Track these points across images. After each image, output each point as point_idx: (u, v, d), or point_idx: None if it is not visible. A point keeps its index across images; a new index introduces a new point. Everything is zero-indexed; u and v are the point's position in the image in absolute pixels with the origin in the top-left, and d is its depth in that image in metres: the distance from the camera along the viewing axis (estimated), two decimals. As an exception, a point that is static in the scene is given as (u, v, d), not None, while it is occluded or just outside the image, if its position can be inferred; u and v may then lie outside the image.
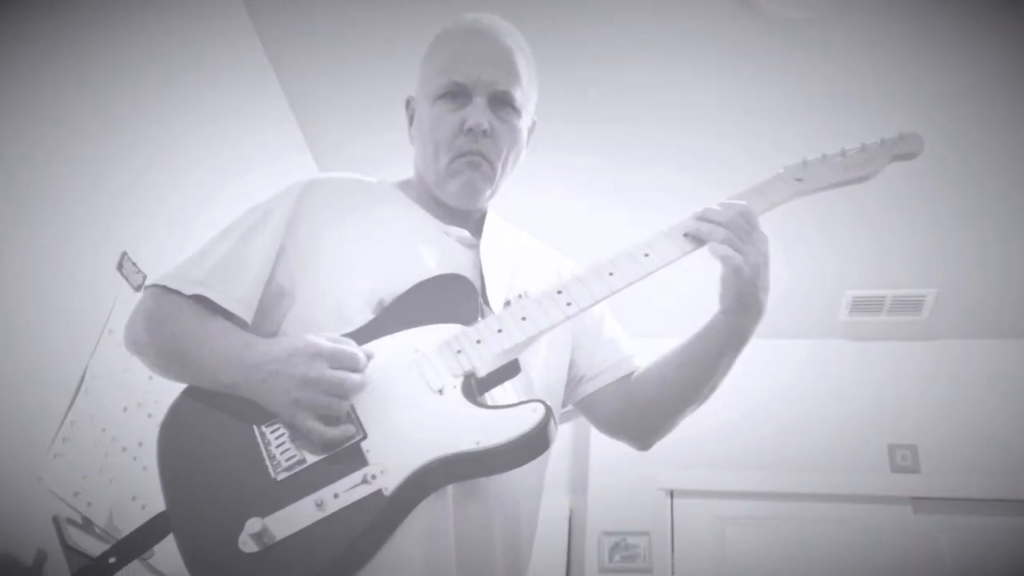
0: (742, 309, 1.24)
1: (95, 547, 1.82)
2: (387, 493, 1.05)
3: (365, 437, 1.09)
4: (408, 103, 1.44)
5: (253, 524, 1.02)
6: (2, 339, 1.72)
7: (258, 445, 1.09)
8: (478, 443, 1.08)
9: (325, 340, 1.11)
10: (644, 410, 1.37)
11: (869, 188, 3.66)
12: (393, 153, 3.34)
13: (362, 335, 1.16)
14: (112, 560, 1.13)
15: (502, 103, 1.35)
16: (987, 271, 3.76)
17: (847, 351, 4.26)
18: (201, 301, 1.21)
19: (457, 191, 1.33)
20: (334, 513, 1.03)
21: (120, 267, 2.07)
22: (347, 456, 1.07)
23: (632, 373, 1.41)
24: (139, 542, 1.13)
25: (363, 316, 1.20)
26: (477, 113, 1.31)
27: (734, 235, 1.22)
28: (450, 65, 1.34)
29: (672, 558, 3.86)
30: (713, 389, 1.34)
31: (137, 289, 2.11)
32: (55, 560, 1.74)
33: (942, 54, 2.79)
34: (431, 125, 1.33)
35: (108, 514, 1.95)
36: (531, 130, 1.47)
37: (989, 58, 2.78)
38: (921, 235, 3.58)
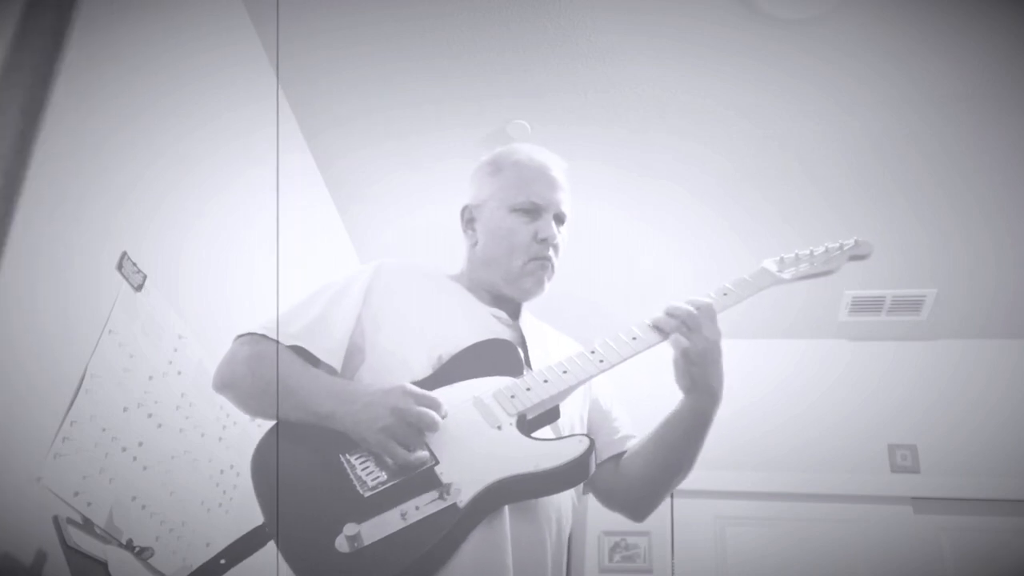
0: (696, 389, 1.46)
1: (95, 547, 1.82)
2: (461, 506, 1.26)
3: (438, 463, 1.31)
4: (465, 210, 1.71)
5: (350, 527, 1.22)
6: (2, 339, 1.72)
7: (345, 469, 1.31)
8: (537, 466, 1.31)
9: (414, 386, 1.37)
10: (631, 485, 1.59)
11: (868, 187, 3.67)
12: (391, 152, 3.35)
13: (426, 384, 1.40)
14: (223, 562, 1.32)
15: (560, 220, 1.66)
16: (987, 271, 3.76)
17: (847, 351, 4.26)
18: (297, 351, 1.46)
19: (529, 287, 1.62)
20: (416, 523, 1.24)
21: (120, 267, 2.07)
22: (424, 477, 1.29)
23: (624, 452, 1.63)
24: (244, 547, 1.33)
25: (424, 370, 1.45)
26: (549, 227, 1.61)
27: (685, 326, 1.45)
28: (525, 185, 1.64)
29: (672, 558, 3.86)
30: (689, 467, 1.55)
31: (137, 289, 2.11)
32: (55, 560, 1.74)
33: (941, 55, 2.79)
34: (507, 231, 1.62)
35: (108, 514, 1.95)
36: None
37: (989, 58, 2.78)
38: (921, 235, 3.58)
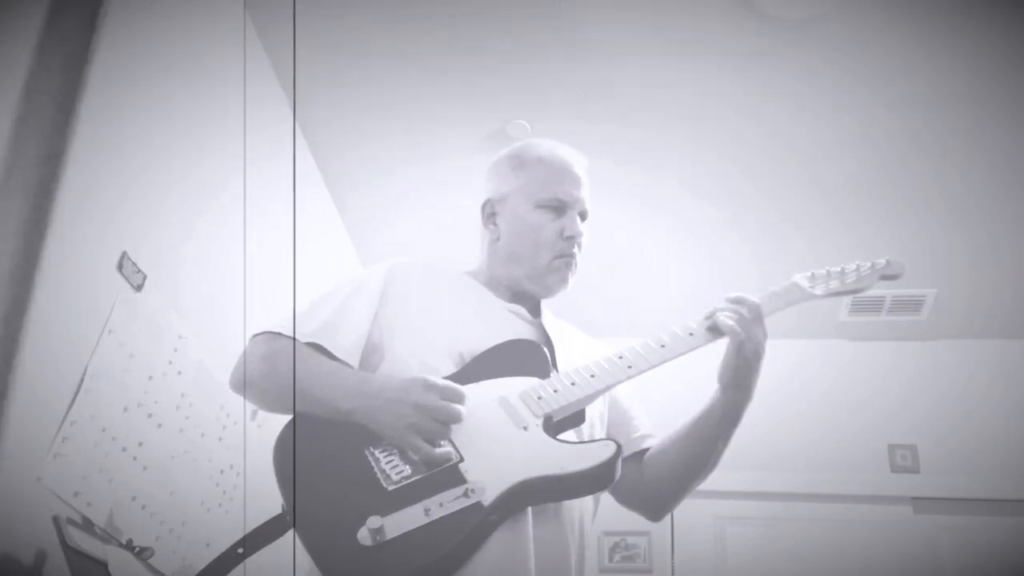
0: (735, 386, 1.48)
1: (95, 547, 1.82)
2: (486, 504, 1.25)
3: (463, 460, 1.30)
4: (487, 204, 1.69)
5: (374, 520, 1.21)
6: (2, 339, 1.72)
7: (369, 463, 1.30)
8: (562, 469, 1.30)
9: (436, 378, 1.35)
10: (657, 483, 1.60)
11: (869, 187, 3.67)
12: (391, 152, 3.35)
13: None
14: (240, 551, 1.32)
15: (583, 217, 1.66)
16: (987, 271, 3.76)
17: (847, 351, 4.26)
18: (315, 348, 1.45)
19: (553, 284, 1.62)
20: (439, 519, 1.23)
21: (120, 267, 2.07)
22: (449, 474, 1.28)
23: (647, 451, 1.63)
24: (263, 537, 1.33)
25: (446, 367, 1.44)
26: (575, 224, 1.62)
27: (742, 320, 1.47)
28: (552, 182, 1.63)
29: (672, 558, 3.86)
30: (714, 464, 1.58)
31: (137, 289, 2.11)
32: (55, 560, 1.74)
33: (941, 55, 2.79)
34: (533, 227, 1.61)
35: (108, 514, 1.95)
36: None
37: (989, 58, 2.78)
38: (921, 235, 3.58)
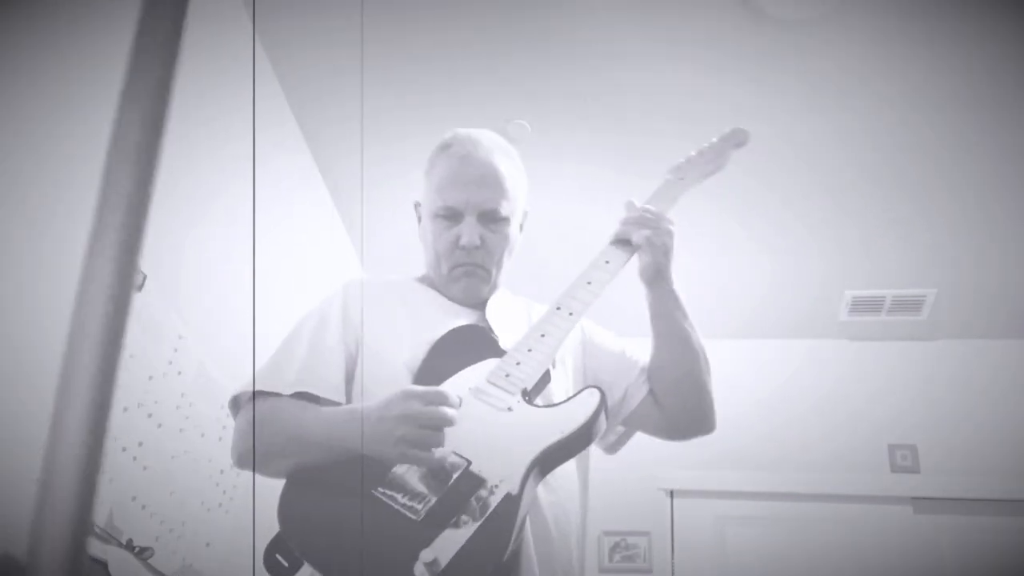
0: (659, 277, 1.56)
1: (95, 547, 1.82)
2: (515, 493, 1.24)
3: (470, 463, 1.28)
4: (416, 206, 1.67)
5: (427, 554, 1.18)
6: (2, 339, 1.72)
7: (386, 502, 1.26)
8: (563, 432, 1.31)
9: (415, 386, 1.34)
10: (674, 402, 1.58)
11: (869, 187, 3.67)
12: (391, 152, 3.35)
13: None
14: None
15: (491, 218, 1.57)
16: (987, 271, 3.76)
17: (847, 351, 4.26)
18: (302, 396, 1.43)
19: (460, 293, 1.58)
20: (480, 525, 1.21)
21: (120, 267, 2.07)
22: (465, 481, 1.26)
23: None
24: None
25: (407, 380, 1.42)
26: (469, 231, 1.54)
27: (642, 223, 1.56)
28: (443, 188, 1.57)
29: (672, 558, 3.86)
30: (699, 344, 1.59)
31: (137, 289, 2.11)
32: (55, 560, 1.74)
33: (943, 55, 2.79)
34: (432, 239, 1.59)
35: (108, 514, 1.95)
36: (524, 216, 1.71)
37: (989, 59, 2.78)
38: (921, 235, 3.58)
